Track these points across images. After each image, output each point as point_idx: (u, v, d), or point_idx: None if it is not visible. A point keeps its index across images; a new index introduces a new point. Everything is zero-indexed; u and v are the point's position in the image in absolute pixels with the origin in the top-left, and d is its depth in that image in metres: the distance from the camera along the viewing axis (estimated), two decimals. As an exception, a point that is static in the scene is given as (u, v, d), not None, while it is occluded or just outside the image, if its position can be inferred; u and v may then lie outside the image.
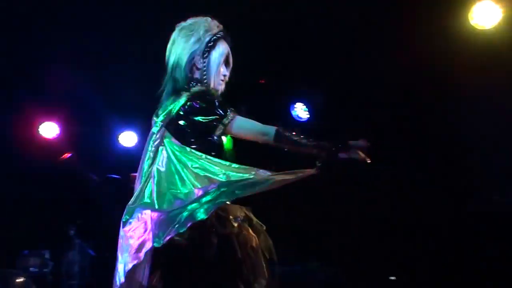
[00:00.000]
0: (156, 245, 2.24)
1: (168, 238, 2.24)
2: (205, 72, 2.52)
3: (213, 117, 2.41)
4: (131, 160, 6.64)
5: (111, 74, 5.90)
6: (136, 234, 2.32)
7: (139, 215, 2.36)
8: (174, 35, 2.59)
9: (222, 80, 2.60)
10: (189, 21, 2.59)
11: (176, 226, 2.24)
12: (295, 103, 6.33)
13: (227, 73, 2.61)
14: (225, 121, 2.40)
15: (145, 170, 2.48)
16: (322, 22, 5.23)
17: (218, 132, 2.44)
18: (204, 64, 2.52)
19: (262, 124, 2.42)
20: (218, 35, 2.56)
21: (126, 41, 5.49)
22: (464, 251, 5.29)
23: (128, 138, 6.91)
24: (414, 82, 5.31)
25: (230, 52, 2.60)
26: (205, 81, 2.52)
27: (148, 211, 2.34)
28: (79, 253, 6.42)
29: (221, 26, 2.58)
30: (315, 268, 5.92)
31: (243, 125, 2.43)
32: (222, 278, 2.37)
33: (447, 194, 5.44)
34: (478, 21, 4.55)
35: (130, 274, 2.30)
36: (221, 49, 2.56)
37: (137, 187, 2.49)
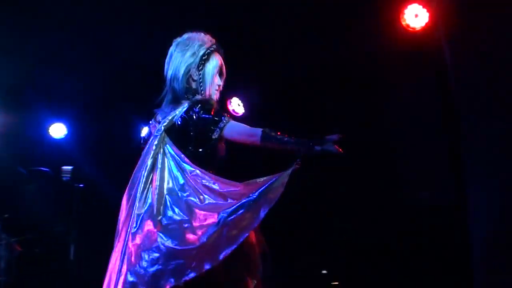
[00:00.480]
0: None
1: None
2: (201, 83, 2.76)
3: (211, 122, 2.63)
4: (60, 153, 6.53)
5: (41, 62, 5.72)
6: (150, 258, 2.42)
7: (145, 227, 2.51)
8: (171, 49, 2.84)
9: (217, 90, 2.84)
10: (185, 36, 2.85)
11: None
12: (231, 98, 6.32)
13: (221, 83, 2.86)
14: (221, 125, 2.63)
15: (144, 175, 2.65)
16: (257, 17, 5.26)
17: (215, 136, 2.64)
18: (200, 75, 2.76)
19: (250, 126, 2.65)
20: (212, 49, 2.81)
21: (57, 30, 5.34)
22: (392, 244, 5.46)
23: (58, 130, 6.72)
24: (349, 77, 5.42)
25: (223, 64, 2.86)
26: (202, 91, 2.75)
27: (150, 224, 2.50)
28: (6, 249, 6.20)
29: (213, 40, 2.83)
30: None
31: (235, 128, 2.65)
32: (225, 274, 2.49)
33: (375, 187, 5.58)
34: (410, 22, 4.74)
35: None
36: (215, 62, 2.81)
37: (134, 192, 2.63)
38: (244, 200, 2.46)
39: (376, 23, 4.89)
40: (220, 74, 2.85)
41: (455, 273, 4.95)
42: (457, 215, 4.81)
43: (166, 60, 2.84)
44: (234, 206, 2.46)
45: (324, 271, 6.13)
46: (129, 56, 5.51)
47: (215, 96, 2.83)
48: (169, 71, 2.81)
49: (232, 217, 2.43)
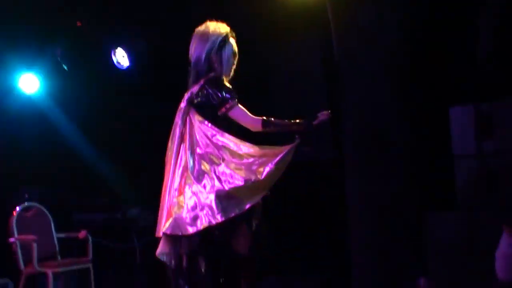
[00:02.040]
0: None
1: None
2: (220, 64, 3.37)
3: (219, 100, 3.30)
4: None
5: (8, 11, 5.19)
6: (190, 204, 3.13)
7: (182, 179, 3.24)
8: (194, 37, 3.44)
9: (232, 69, 3.44)
10: (205, 25, 3.43)
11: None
12: (115, 49, 6.12)
13: (235, 62, 3.45)
14: (227, 106, 3.30)
15: (176, 141, 3.35)
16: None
17: (221, 113, 3.31)
18: (219, 58, 3.36)
19: (251, 116, 3.32)
20: (228, 35, 3.41)
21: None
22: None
23: (29, 82, 6.00)
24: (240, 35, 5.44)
25: (236, 47, 3.45)
26: (219, 71, 3.37)
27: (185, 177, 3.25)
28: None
29: (228, 28, 3.43)
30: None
31: (239, 115, 3.32)
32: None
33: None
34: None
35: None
36: (230, 46, 3.42)
37: (171, 154, 3.36)
38: (267, 168, 3.14)
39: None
40: (234, 55, 3.43)
41: (332, 223, 5.21)
42: (335, 171, 4.99)
43: (190, 47, 3.43)
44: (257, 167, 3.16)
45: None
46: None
47: (231, 73, 3.43)
48: (193, 55, 3.40)
49: (254, 178, 3.10)
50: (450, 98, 4.50)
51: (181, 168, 3.27)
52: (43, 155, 6.02)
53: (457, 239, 4.28)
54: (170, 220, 3.11)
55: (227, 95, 3.30)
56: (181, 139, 3.34)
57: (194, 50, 3.42)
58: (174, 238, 3.10)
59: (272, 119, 3.32)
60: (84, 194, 6.19)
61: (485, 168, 4.34)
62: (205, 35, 3.39)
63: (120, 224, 5.85)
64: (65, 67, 6.01)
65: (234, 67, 3.46)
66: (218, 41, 3.37)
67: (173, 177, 3.28)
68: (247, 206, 3.05)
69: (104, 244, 5.68)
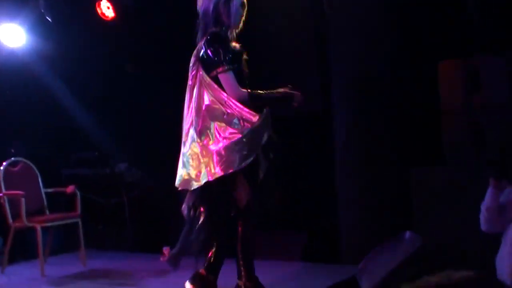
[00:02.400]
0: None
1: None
2: (228, 16, 3.27)
3: (215, 61, 3.22)
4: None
5: None
6: (195, 164, 3.20)
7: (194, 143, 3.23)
8: None
9: (241, 21, 3.34)
10: None
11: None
12: (99, 1, 5.96)
13: (244, 14, 3.34)
14: (219, 70, 3.21)
15: (188, 97, 3.35)
16: None
17: (212, 74, 3.24)
18: (227, 9, 3.27)
19: (239, 87, 3.20)
20: None
21: None
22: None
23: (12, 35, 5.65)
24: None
25: None
26: (228, 23, 3.28)
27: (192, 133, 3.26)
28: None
29: None
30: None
31: (229, 82, 3.19)
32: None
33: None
34: None
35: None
36: None
37: (185, 110, 3.34)
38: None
39: None
40: (243, 6, 3.34)
41: (320, 177, 5.22)
42: (323, 122, 5.00)
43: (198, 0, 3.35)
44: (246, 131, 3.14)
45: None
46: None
47: (240, 24, 3.33)
48: (202, 7, 3.32)
49: (245, 139, 3.10)
50: (439, 53, 4.47)
51: (189, 124, 3.30)
52: (29, 110, 5.95)
53: (444, 194, 4.31)
54: (180, 177, 3.27)
55: (227, 57, 3.21)
56: (191, 94, 3.31)
57: (202, 1, 3.34)
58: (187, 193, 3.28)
59: (260, 92, 3.25)
60: (71, 149, 6.17)
61: (472, 123, 4.34)
62: None
63: (108, 179, 5.86)
64: (49, 19, 5.87)
65: (243, 18, 3.35)
66: None
67: (186, 134, 3.31)
68: (244, 164, 3.07)
69: (92, 199, 5.69)
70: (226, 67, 3.18)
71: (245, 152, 3.07)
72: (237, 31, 3.34)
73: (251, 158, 3.07)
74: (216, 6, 3.27)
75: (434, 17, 4.51)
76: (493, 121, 4.26)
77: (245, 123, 3.14)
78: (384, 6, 4.40)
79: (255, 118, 3.14)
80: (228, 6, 3.27)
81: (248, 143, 3.09)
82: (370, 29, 4.43)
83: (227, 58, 3.21)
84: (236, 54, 3.29)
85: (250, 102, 3.19)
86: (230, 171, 3.08)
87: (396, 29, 4.42)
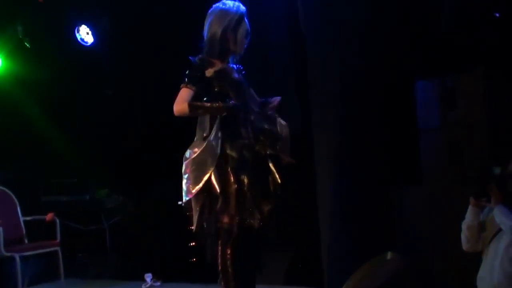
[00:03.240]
0: None
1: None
2: (235, 43, 3.37)
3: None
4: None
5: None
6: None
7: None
8: (210, 13, 3.41)
9: (243, 48, 3.44)
10: (222, 3, 3.43)
11: None
12: (79, 26, 6.01)
13: (247, 42, 3.44)
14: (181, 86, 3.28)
15: None
16: None
17: None
18: (234, 36, 3.36)
19: (183, 102, 3.22)
20: (243, 15, 3.40)
21: None
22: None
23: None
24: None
25: (248, 25, 3.44)
26: (234, 49, 3.39)
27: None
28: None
29: (244, 8, 3.41)
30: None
31: (177, 98, 3.24)
32: None
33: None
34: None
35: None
36: (245, 25, 3.40)
37: None
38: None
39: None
40: (247, 34, 3.42)
41: (302, 198, 5.17)
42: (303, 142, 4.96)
43: (205, 23, 3.40)
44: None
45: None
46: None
47: (242, 51, 3.44)
48: (209, 32, 3.38)
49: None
50: (416, 72, 4.51)
51: None
52: (7, 137, 5.89)
53: (423, 213, 4.33)
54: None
55: (190, 75, 3.28)
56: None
57: (210, 26, 3.39)
58: None
59: (198, 103, 3.26)
60: (50, 176, 6.11)
61: (448, 140, 4.37)
62: (223, 13, 3.38)
63: (88, 205, 5.82)
64: (27, 44, 5.84)
65: (245, 46, 3.45)
66: (235, 20, 3.36)
67: None
68: (189, 196, 3.22)
69: (72, 226, 5.61)
70: (182, 84, 3.26)
71: (189, 183, 3.20)
72: (238, 57, 3.46)
73: (199, 186, 3.17)
74: (224, 32, 3.34)
75: (408, 35, 4.55)
76: (468, 138, 4.30)
77: (191, 154, 3.24)
78: (359, 26, 4.41)
79: (198, 149, 3.23)
80: (235, 33, 3.36)
81: (192, 174, 3.20)
82: (346, 48, 4.45)
83: (190, 75, 3.28)
84: (219, 76, 3.32)
85: (190, 113, 3.22)
86: (189, 197, 3.21)
87: (372, 49, 4.42)
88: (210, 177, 3.17)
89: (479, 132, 4.26)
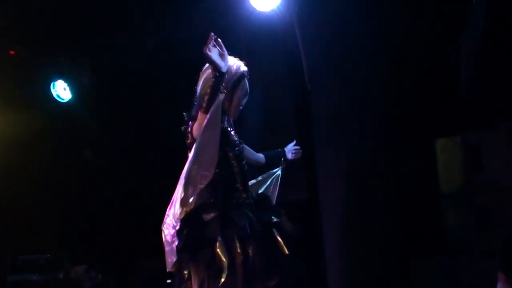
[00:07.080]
0: None
1: None
2: (229, 105, 3.13)
3: None
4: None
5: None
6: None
7: None
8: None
9: (239, 110, 3.23)
10: None
11: None
12: (55, 81, 5.89)
13: (243, 104, 3.23)
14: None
15: None
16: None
17: None
18: (230, 98, 3.11)
19: None
20: (243, 75, 3.16)
21: None
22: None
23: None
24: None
25: (248, 87, 3.25)
26: (228, 110, 3.14)
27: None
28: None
29: (245, 68, 3.17)
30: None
31: None
32: None
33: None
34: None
35: None
36: (244, 86, 3.17)
37: None
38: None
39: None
40: (246, 96, 3.22)
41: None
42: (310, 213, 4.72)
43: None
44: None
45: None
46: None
47: (237, 114, 3.23)
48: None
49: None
50: (436, 130, 4.32)
51: None
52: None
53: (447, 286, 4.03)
54: None
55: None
56: None
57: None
58: None
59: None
60: (19, 251, 5.69)
61: (474, 206, 4.13)
62: None
63: (62, 285, 5.41)
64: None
65: (241, 108, 3.25)
66: (232, 82, 3.12)
67: None
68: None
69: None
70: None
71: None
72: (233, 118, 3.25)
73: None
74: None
75: (426, 92, 4.37)
76: (497, 203, 4.00)
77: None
78: (372, 84, 4.29)
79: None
80: (231, 95, 3.14)
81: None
82: (358, 110, 4.31)
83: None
84: None
85: None
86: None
87: (389, 108, 4.30)
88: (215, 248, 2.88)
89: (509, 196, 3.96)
